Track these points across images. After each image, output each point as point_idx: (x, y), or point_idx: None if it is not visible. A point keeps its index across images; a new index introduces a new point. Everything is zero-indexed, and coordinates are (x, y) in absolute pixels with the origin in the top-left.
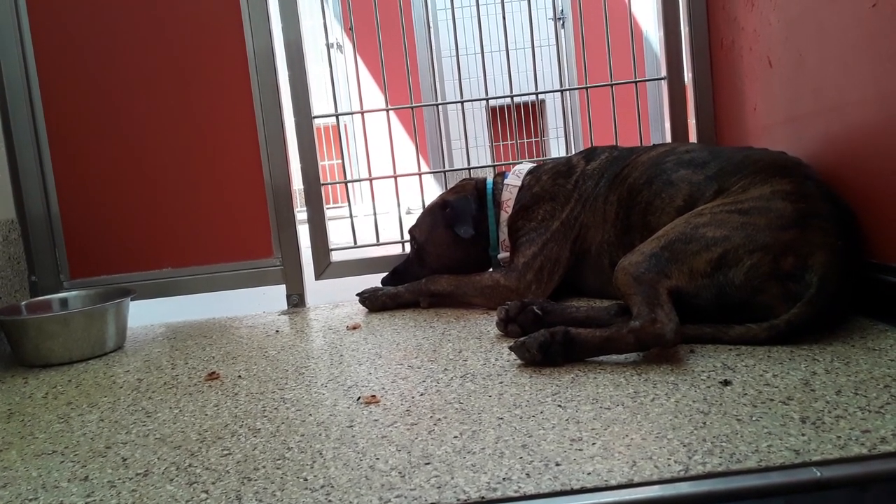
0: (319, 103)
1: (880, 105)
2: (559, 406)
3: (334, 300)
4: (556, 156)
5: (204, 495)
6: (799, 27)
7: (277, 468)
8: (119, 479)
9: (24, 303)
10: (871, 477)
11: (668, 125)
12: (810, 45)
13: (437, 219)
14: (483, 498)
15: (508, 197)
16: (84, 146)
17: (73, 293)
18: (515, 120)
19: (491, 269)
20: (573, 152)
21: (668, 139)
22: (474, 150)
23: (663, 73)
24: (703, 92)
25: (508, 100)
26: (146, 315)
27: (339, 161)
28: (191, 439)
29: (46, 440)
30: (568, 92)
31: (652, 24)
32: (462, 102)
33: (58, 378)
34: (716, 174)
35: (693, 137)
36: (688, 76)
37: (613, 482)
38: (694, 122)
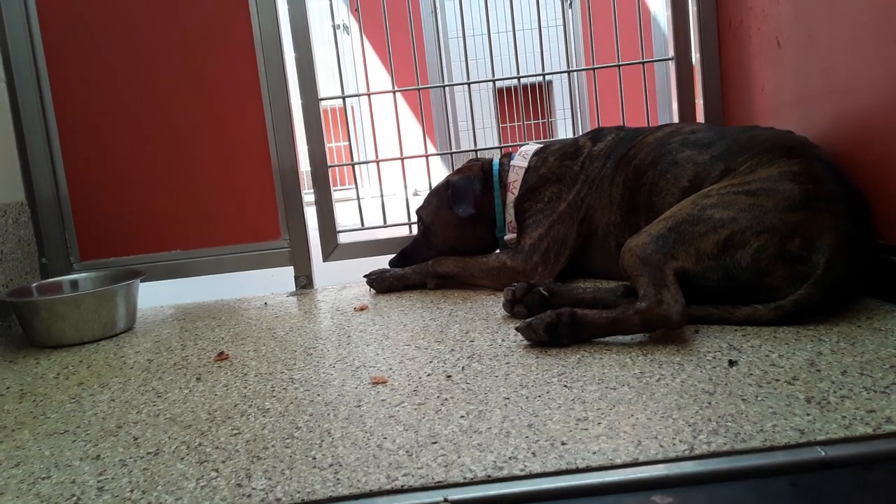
0: (326, 85)
1: (891, 85)
2: (565, 386)
3: (342, 282)
4: (563, 137)
5: (214, 474)
6: (807, 7)
7: (286, 447)
8: (130, 457)
9: (34, 284)
10: (875, 456)
11: (675, 106)
12: (819, 24)
13: (442, 199)
14: (489, 476)
15: (515, 178)
16: (92, 129)
17: (83, 275)
18: (522, 101)
19: (498, 251)
20: (580, 134)
21: (676, 120)
22: (481, 132)
23: (671, 53)
24: (710, 72)
25: (515, 81)
26: (155, 296)
27: (346, 143)
28: (201, 419)
29: (58, 420)
30: (575, 73)
31: (660, 4)
32: (469, 84)
33: (69, 359)
34: (721, 154)
35: (700, 118)
36: (695, 57)
37: (619, 461)
38: (702, 102)
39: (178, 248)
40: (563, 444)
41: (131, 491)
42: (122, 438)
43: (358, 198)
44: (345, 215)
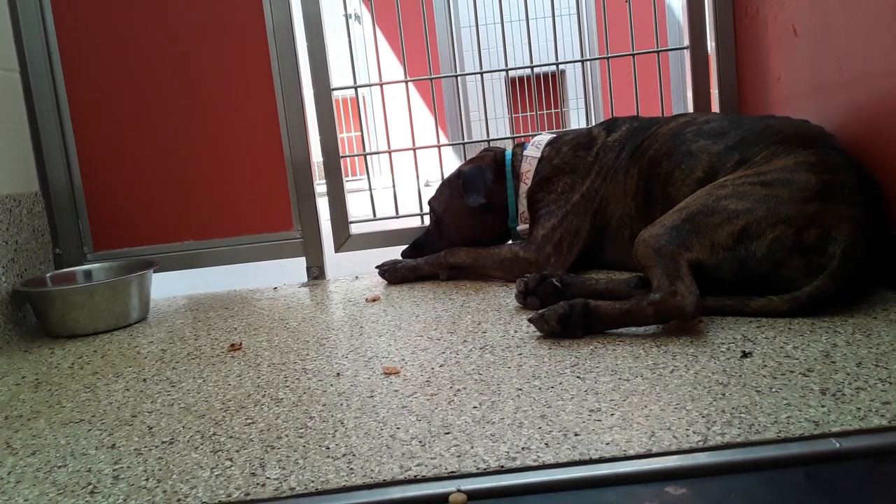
0: (338, 75)
1: None
2: (578, 377)
3: (354, 272)
4: (577, 127)
5: (228, 463)
6: None
7: (300, 437)
8: (145, 446)
9: (48, 275)
10: (890, 448)
11: (690, 95)
12: (836, 13)
13: (454, 190)
14: (502, 467)
15: (528, 168)
16: (106, 120)
17: (97, 265)
18: (535, 91)
19: (510, 242)
20: (594, 124)
21: (691, 110)
22: (493, 122)
23: (686, 42)
24: (726, 61)
25: (528, 71)
26: (169, 287)
27: (358, 133)
28: (215, 408)
29: (74, 409)
30: (589, 62)
31: None
32: (481, 73)
33: (83, 348)
34: (736, 144)
35: (716, 108)
36: (711, 45)
37: (632, 452)
38: (717, 92)
39: (190, 238)
40: (576, 434)
41: (146, 479)
42: (136, 427)
43: (370, 188)
44: (357, 206)
